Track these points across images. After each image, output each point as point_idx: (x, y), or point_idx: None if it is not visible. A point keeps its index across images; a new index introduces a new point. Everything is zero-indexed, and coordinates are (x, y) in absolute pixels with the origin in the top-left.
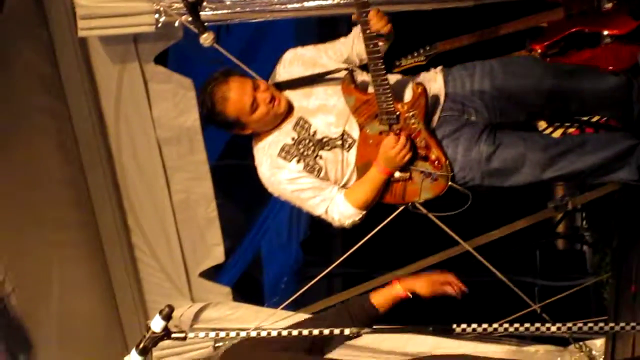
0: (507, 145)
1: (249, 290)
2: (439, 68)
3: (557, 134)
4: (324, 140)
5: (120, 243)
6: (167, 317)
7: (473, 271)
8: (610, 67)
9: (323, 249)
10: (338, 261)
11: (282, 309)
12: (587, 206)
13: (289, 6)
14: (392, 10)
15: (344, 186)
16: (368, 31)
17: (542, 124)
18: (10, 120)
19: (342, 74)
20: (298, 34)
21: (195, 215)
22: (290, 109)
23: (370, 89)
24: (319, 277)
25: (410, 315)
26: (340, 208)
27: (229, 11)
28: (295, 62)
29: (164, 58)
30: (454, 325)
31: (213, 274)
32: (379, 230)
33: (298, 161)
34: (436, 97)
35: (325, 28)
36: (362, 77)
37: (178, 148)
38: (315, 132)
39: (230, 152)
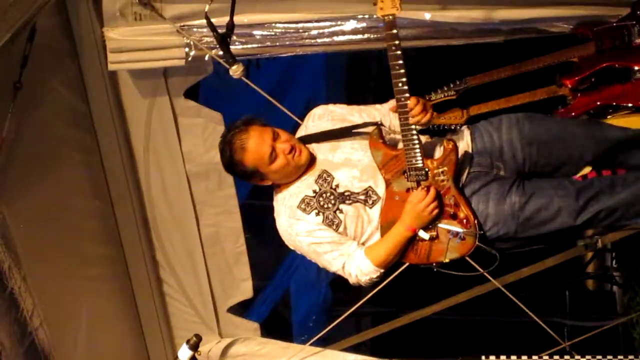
0: (539, 195)
1: (277, 328)
2: (465, 127)
3: (587, 170)
4: (346, 194)
5: (148, 278)
6: (195, 347)
7: (502, 310)
8: None
9: (352, 287)
10: (366, 297)
11: (311, 345)
12: (617, 246)
13: (319, 40)
14: (422, 46)
15: (363, 243)
16: (399, 83)
17: None
18: (39, 153)
19: (370, 129)
20: (328, 72)
21: (223, 250)
22: (312, 161)
23: (399, 145)
24: (347, 312)
25: (438, 347)
26: (359, 264)
27: (259, 45)
28: (325, 117)
29: (195, 92)
30: (483, 357)
31: (241, 311)
32: (407, 268)
33: (317, 214)
34: (464, 154)
35: (356, 66)
36: (390, 136)
37: (207, 183)
38: (337, 186)
39: (259, 191)
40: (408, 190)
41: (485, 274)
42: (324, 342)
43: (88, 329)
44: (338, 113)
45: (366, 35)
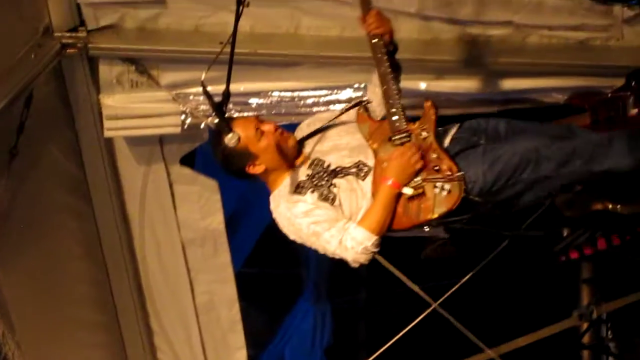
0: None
1: None
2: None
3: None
4: (337, 169)
5: (142, 345)
6: None
7: None
8: None
9: (347, 356)
10: None
11: None
12: (612, 316)
13: (315, 109)
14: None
15: None
16: (375, 40)
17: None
18: (34, 220)
19: (353, 116)
20: None
21: (218, 317)
22: (302, 152)
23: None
24: None
25: None
26: (353, 234)
27: (255, 114)
28: (311, 125)
29: (192, 159)
30: None
31: None
32: (403, 337)
33: (312, 192)
34: (450, 125)
35: None
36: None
37: (202, 250)
38: (329, 165)
39: (254, 260)
40: None
41: (488, 350)
42: None
43: None
44: (325, 116)
45: None
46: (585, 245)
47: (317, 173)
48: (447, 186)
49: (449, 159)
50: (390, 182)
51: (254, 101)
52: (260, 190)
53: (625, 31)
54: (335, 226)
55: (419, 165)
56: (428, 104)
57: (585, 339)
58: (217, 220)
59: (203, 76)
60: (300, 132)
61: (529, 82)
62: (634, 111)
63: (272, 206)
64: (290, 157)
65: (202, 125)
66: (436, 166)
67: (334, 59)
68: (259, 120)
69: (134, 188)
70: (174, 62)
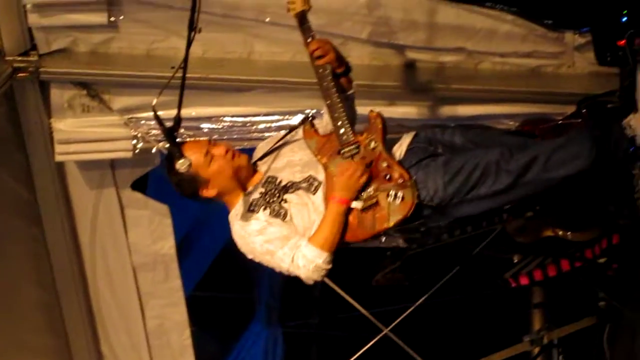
0: (473, 158)
1: None
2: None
3: None
4: (288, 184)
5: None
6: None
7: None
8: None
9: None
10: None
11: None
12: (564, 341)
13: (267, 134)
14: None
15: None
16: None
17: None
18: None
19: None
20: None
21: (169, 342)
22: (257, 171)
23: (330, 127)
24: None
25: None
26: (304, 252)
27: (207, 138)
28: (268, 144)
29: (144, 183)
30: None
31: None
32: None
33: (264, 209)
34: (405, 135)
35: None
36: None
37: (153, 274)
38: (281, 181)
39: (206, 283)
40: None
41: None
42: None
43: None
44: (278, 137)
45: None
46: (535, 271)
47: (270, 190)
48: (400, 193)
49: (399, 167)
50: (337, 199)
51: (205, 126)
52: (213, 215)
53: (577, 58)
54: (287, 244)
55: (363, 180)
56: (374, 114)
57: None
58: (168, 244)
59: (154, 101)
60: (258, 152)
61: (481, 108)
62: None
63: (231, 226)
64: (243, 178)
65: (154, 150)
66: (387, 175)
67: (286, 84)
68: (210, 143)
69: (85, 212)
70: (125, 86)
